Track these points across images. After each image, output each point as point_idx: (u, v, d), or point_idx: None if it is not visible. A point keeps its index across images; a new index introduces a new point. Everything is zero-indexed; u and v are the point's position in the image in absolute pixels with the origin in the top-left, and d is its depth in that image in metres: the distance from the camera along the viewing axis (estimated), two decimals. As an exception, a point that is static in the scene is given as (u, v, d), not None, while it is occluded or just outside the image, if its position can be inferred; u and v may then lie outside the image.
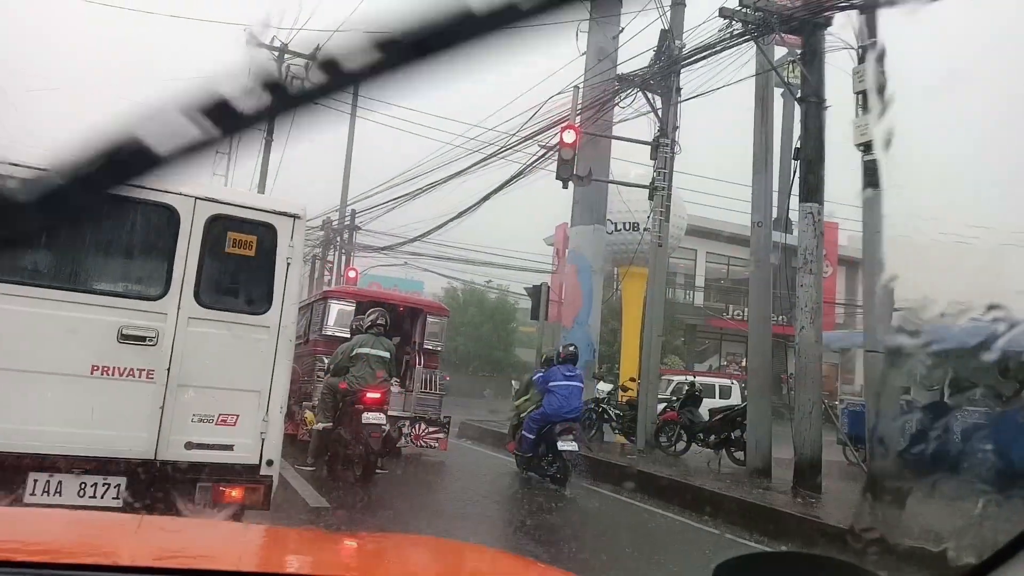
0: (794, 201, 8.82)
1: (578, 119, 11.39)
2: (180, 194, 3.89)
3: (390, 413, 8.14)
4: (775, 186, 10.82)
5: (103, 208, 3.85)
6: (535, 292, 14.74)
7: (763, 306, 9.83)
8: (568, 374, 8.73)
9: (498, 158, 14.39)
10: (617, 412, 12.61)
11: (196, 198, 3.94)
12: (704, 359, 29.13)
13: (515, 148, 14.19)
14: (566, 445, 8.19)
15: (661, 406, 12.41)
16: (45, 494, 3.54)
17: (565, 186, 11.38)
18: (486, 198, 15.32)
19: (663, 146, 11.30)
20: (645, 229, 13.11)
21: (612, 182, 13.15)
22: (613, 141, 12.78)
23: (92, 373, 3.69)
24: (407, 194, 17.38)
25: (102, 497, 3.65)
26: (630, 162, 13.72)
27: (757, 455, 9.35)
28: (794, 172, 8.77)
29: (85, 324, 3.70)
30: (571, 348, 9.25)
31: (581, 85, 12.19)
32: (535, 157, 13.47)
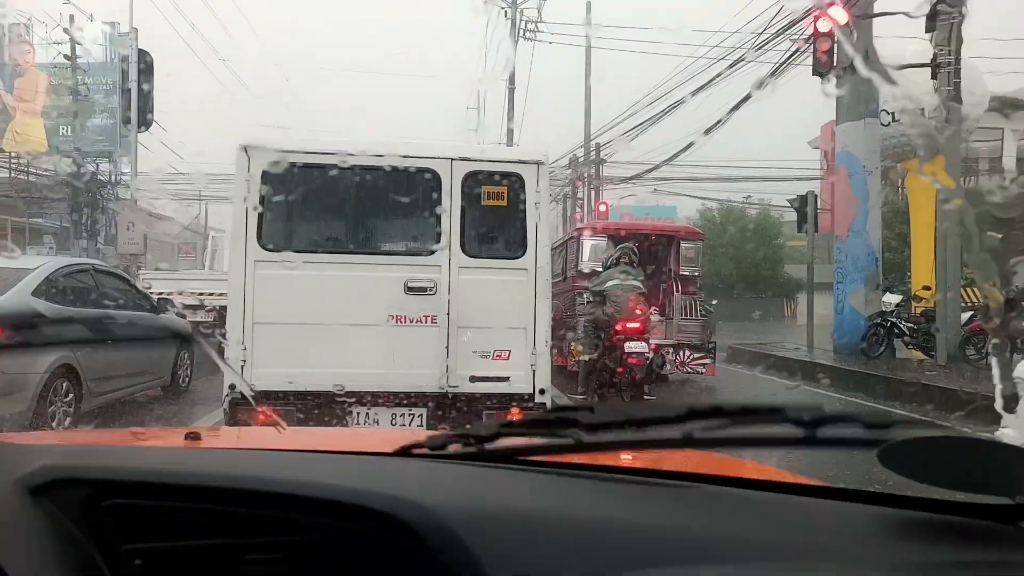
0: None
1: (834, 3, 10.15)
2: (438, 157, 4.34)
3: (652, 341, 8.28)
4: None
5: (384, 179, 4.42)
6: (800, 202, 13.70)
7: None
8: None
9: (746, 63, 13.43)
10: (909, 325, 11.36)
11: (452, 159, 4.36)
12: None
13: (764, 47, 13.12)
14: None
15: (966, 315, 10.91)
16: (366, 424, 4.29)
17: (824, 80, 10.29)
18: (736, 108, 14.43)
19: (944, 14, 9.62)
20: (931, 115, 11.38)
21: (882, 67, 11.54)
22: (878, 19, 11.16)
23: (389, 322, 4.32)
24: (649, 119, 17.04)
25: (409, 425, 4.32)
26: (903, 38, 11.92)
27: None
28: None
29: (379, 281, 4.33)
30: None
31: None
32: (787, 54, 12.33)
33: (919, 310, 11.66)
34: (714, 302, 18.97)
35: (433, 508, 0.63)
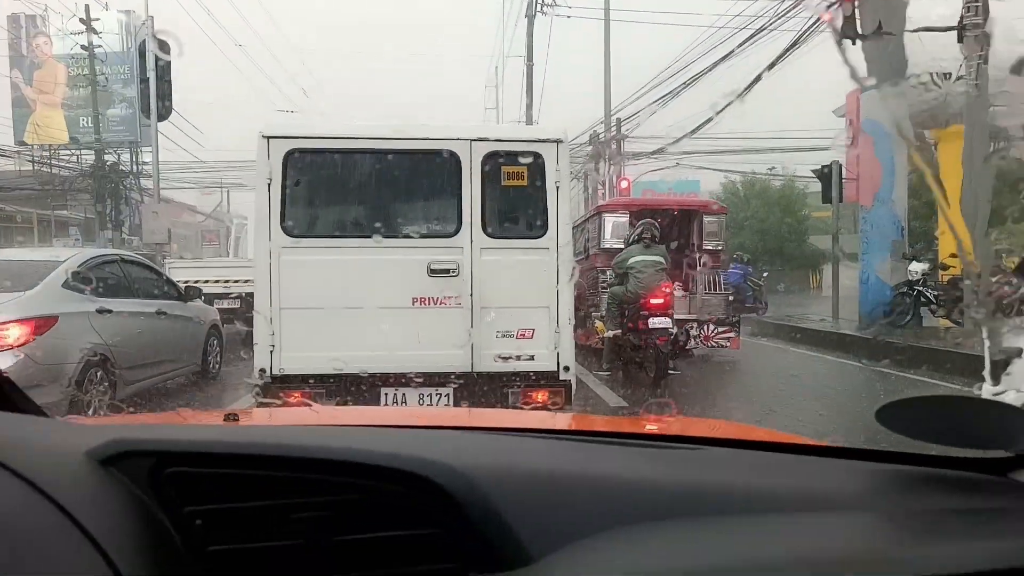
0: None
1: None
2: (458, 139, 4.35)
3: (676, 316, 8.26)
4: None
5: (404, 163, 4.48)
6: (825, 173, 13.51)
7: None
8: None
9: (767, 31, 13.19)
10: (936, 294, 11.21)
11: (471, 140, 4.36)
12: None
13: (785, 15, 12.87)
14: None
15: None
16: (395, 404, 4.35)
17: (853, 43, 10.08)
18: (757, 80, 14.19)
19: (971, -27, 9.35)
20: (959, 78, 11.11)
21: (908, 31, 11.27)
22: (903, -18, 10.89)
23: (413, 304, 4.36)
24: (670, 92, 16.83)
25: (436, 404, 4.38)
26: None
27: None
28: None
29: (402, 264, 4.37)
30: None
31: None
32: (810, 22, 12.09)
33: (946, 278, 11.50)
34: (765, 274, 18.91)
35: (463, 470, 0.70)
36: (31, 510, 0.58)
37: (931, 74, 12.68)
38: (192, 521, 0.66)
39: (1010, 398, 1.00)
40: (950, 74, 12.00)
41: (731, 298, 17.71)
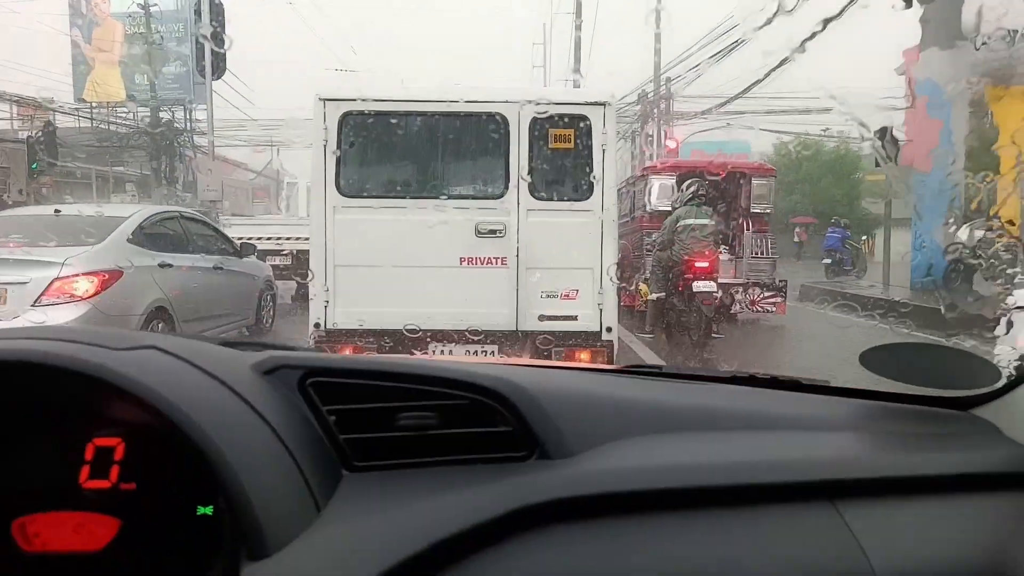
0: None
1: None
2: (506, 101, 4.40)
3: (721, 280, 8.23)
4: None
5: (453, 125, 4.69)
6: (879, 135, 13.09)
7: None
8: None
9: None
10: (992, 261, 10.89)
11: (519, 103, 4.41)
12: None
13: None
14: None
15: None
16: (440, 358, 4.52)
17: (908, 5, 9.70)
18: (811, 37, 13.71)
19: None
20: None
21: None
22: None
23: (461, 264, 4.49)
24: (721, 51, 16.38)
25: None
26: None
27: None
28: None
29: (451, 225, 4.48)
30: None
31: None
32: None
33: (1002, 243, 11.16)
34: (864, 237, 18.69)
35: (523, 385, 0.92)
36: (226, 400, 0.80)
37: (1000, 31, 12.10)
38: (329, 417, 0.88)
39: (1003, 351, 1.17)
40: (1016, 31, 11.45)
41: (829, 261, 17.52)
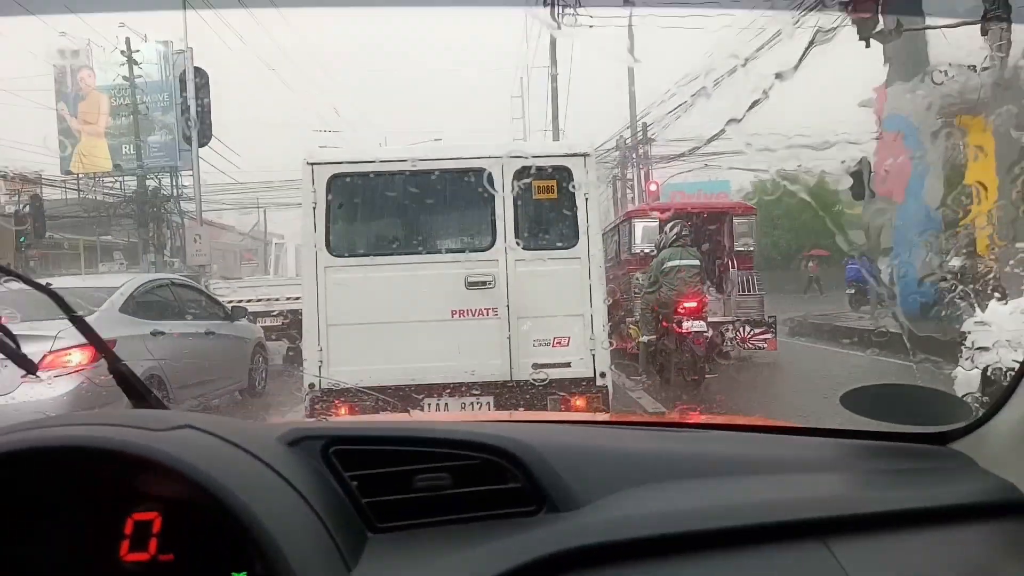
0: None
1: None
2: (490, 157, 4.54)
3: (711, 319, 8.32)
4: None
5: (439, 182, 4.82)
6: (856, 168, 13.39)
7: None
8: None
9: (798, 26, 13.14)
10: (974, 287, 11.07)
11: (502, 158, 4.54)
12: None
13: (805, 10, 12.83)
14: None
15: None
16: (437, 413, 4.53)
17: (868, 45, 10.07)
18: (779, 77, 14.13)
19: (995, -36, 9.28)
20: (984, 69, 11.00)
21: (928, 28, 11.20)
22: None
23: (452, 316, 4.54)
24: (694, 95, 16.82)
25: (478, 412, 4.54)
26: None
27: None
28: None
29: (441, 278, 4.55)
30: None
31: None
32: (839, 19, 12.02)
33: (983, 271, 11.35)
34: (882, 268, 18.71)
35: (529, 443, 0.99)
36: (260, 473, 0.86)
37: (957, 65, 12.55)
38: (351, 483, 0.94)
39: (959, 373, 1.28)
40: (975, 66, 11.88)
41: (852, 292, 17.44)
